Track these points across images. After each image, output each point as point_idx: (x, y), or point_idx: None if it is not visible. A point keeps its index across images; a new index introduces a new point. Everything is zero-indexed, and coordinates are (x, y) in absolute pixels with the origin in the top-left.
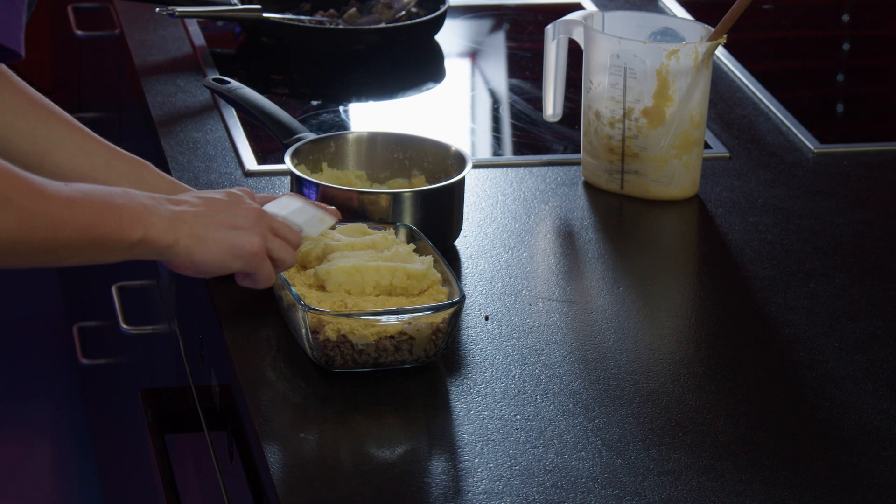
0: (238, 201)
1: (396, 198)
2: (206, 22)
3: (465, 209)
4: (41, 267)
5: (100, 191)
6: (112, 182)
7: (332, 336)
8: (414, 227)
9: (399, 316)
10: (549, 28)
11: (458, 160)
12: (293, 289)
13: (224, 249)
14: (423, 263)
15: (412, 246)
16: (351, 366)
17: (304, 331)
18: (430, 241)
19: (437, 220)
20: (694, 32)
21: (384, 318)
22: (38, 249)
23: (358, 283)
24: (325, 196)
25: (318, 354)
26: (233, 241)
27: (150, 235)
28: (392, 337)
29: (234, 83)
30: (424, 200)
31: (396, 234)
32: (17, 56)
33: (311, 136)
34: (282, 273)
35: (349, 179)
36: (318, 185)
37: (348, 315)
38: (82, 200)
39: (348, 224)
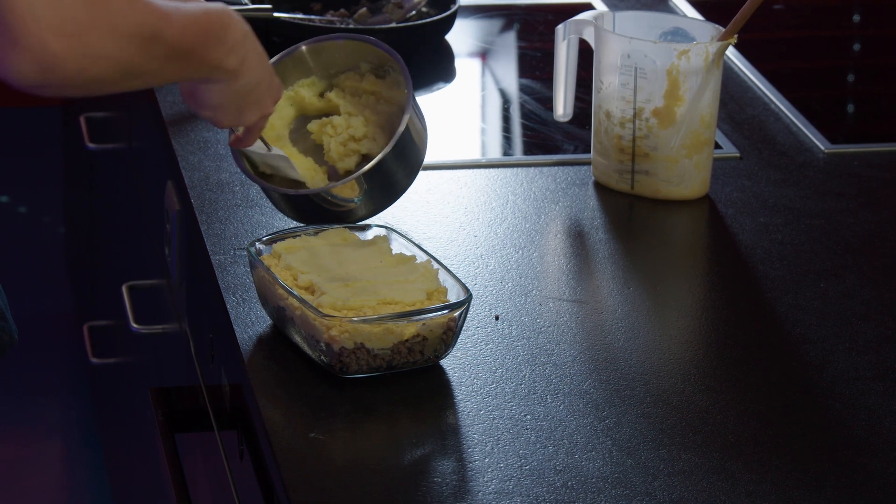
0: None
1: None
2: None
3: (475, 209)
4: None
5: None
6: None
7: (349, 345)
8: (389, 226)
9: (413, 318)
10: (560, 28)
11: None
12: (307, 299)
13: (263, 88)
14: (428, 274)
15: (413, 257)
16: (366, 371)
17: (319, 341)
18: (411, 238)
19: (402, 174)
20: (704, 32)
21: (402, 321)
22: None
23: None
24: (321, 197)
25: (333, 362)
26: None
27: (227, 65)
28: (406, 340)
29: None
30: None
31: (367, 232)
32: None
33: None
34: (280, 279)
35: (302, 96)
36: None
37: (366, 320)
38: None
39: (327, 230)
